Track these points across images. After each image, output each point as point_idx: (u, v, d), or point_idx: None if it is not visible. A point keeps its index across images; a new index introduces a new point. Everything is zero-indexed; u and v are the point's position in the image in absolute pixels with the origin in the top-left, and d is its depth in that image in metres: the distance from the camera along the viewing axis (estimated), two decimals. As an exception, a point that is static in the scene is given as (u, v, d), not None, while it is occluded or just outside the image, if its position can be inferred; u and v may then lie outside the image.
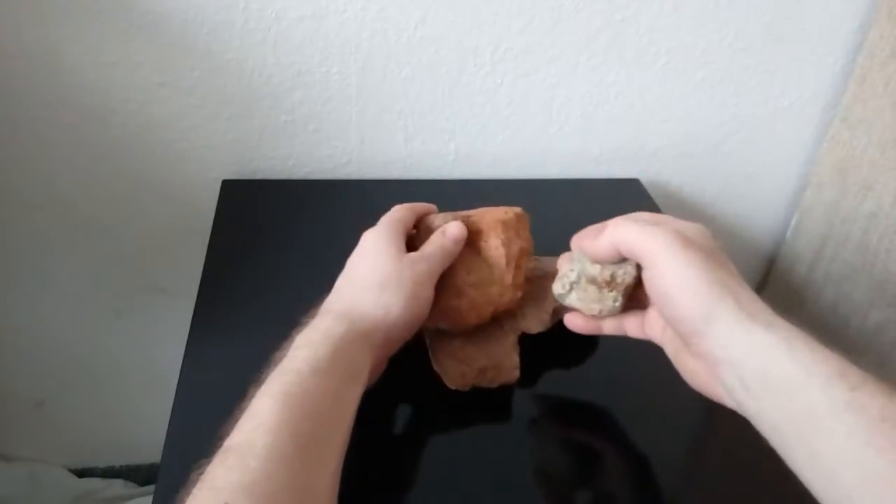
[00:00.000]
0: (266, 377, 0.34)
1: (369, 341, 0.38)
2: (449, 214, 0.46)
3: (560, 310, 0.46)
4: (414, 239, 0.46)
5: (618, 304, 0.40)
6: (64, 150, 0.65)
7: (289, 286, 0.53)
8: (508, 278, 0.44)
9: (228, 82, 0.63)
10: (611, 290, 0.40)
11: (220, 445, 0.31)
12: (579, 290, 0.41)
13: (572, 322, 0.43)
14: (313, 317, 0.39)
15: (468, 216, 0.46)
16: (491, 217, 0.46)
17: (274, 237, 0.59)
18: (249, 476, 0.29)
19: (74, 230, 0.70)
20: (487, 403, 0.45)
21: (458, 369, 0.44)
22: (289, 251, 0.58)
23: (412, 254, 0.42)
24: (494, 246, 0.45)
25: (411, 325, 0.41)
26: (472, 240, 0.45)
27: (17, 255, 0.71)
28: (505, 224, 0.45)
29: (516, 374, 0.45)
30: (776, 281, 0.87)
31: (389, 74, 0.65)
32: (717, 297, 0.33)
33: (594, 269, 0.40)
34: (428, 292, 0.41)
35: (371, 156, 0.70)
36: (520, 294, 0.45)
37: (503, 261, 0.44)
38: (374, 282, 0.40)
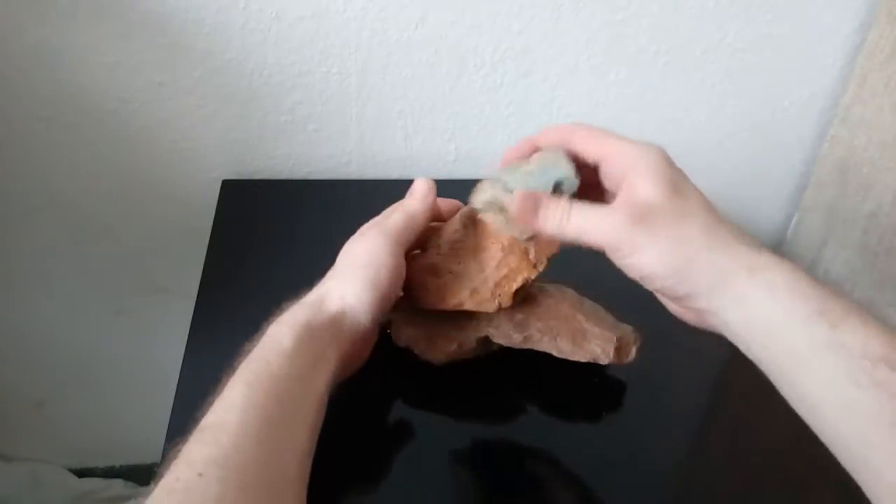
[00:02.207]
0: (238, 365, 0.36)
1: (333, 328, 0.38)
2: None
3: (536, 339, 0.45)
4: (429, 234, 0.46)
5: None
6: (64, 150, 0.65)
7: (289, 286, 0.53)
8: (490, 284, 0.44)
9: (228, 82, 0.63)
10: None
11: (196, 426, 0.33)
12: (492, 214, 0.40)
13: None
14: (289, 306, 0.40)
15: None
16: None
17: (274, 237, 0.59)
18: (221, 450, 0.31)
19: (74, 230, 0.70)
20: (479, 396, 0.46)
21: (399, 326, 0.46)
22: (289, 251, 0.58)
23: (370, 230, 0.41)
24: (493, 251, 0.44)
25: (374, 311, 0.40)
26: (484, 237, 0.45)
27: (18, 256, 0.71)
28: (518, 238, 0.45)
29: (441, 360, 0.45)
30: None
31: (389, 74, 0.65)
32: (699, 261, 0.32)
33: (508, 199, 0.37)
34: (387, 271, 0.40)
35: (371, 155, 0.70)
36: (497, 304, 0.43)
37: (493, 263, 0.44)
38: (335, 272, 0.41)
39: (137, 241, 0.72)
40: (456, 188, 0.72)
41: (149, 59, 0.61)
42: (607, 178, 0.36)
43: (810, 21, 0.69)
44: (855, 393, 0.27)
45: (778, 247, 0.86)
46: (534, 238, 0.41)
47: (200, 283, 0.53)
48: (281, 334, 0.37)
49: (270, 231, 0.60)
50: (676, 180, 0.34)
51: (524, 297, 0.45)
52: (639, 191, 0.33)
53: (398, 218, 0.42)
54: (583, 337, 0.45)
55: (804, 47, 0.71)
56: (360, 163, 0.70)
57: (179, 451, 0.31)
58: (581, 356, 0.44)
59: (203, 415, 0.33)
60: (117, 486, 0.91)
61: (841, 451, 0.28)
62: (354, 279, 0.39)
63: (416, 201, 0.43)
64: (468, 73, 0.66)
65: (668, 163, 0.34)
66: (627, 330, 0.45)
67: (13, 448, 0.89)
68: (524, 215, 0.36)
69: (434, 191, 0.44)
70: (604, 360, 0.44)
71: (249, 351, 0.36)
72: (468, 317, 0.45)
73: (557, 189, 0.36)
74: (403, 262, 0.41)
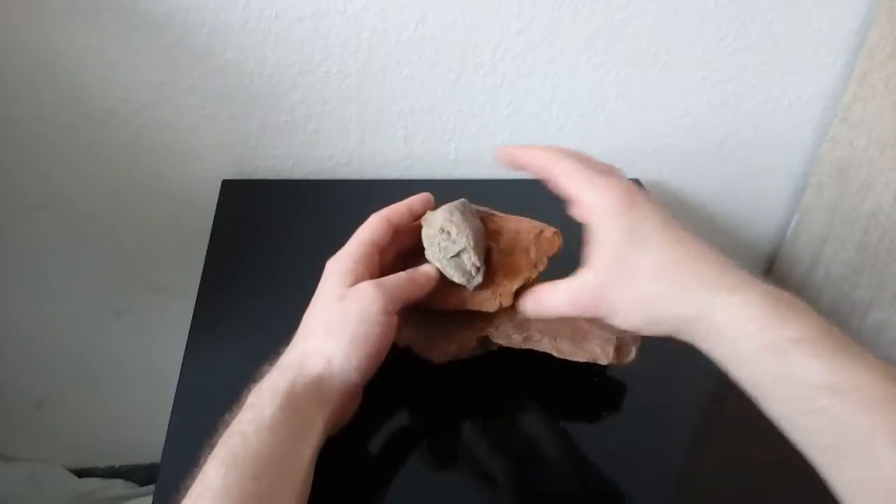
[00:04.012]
0: (217, 441, 0.33)
1: (318, 392, 0.36)
2: (482, 209, 0.46)
3: (536, 339, 0.45)
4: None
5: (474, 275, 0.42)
6: (64, 150, 0.65)
7: (289, 286, 0.53)
8: (491, 284, 0.43)
9: (228, 82, 0.63)
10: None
11: None
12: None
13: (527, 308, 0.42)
14: (269, 370, 0.37)
15: (493, 215, 0.46)
16: (512, 225, 0.45)
17: (274, 237, 0.59)
18: None
19: (74, 230, 0.70)
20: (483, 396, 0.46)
21: (399, 326, 0.44)
22: (289, 251, 0.58)
23: (361, 284, 0.38)
24: (493, 251, 0.44)
25: (364, 368, 0.38)
26: (487, 238, 0.45)
27: (17, 255, 0.71)
28: (517, 234, 0.44)
29: (441, 359, 0.45)
30: (776, 281, 0.86)
31: (389, 74, 0.65)
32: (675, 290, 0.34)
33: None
34: (380, 328, 0.38)
35: (371, 156, 0.70)
36: (498, 303, 0.43)
37: (493, 263, 0.44)
38: (317, 327, 0.38)
39: (137, 240, 0.72)
40: (456, 188, 0.72)
41: (149, 59, 0.61)
42: (579, 217, 0.38)
43: (810, 21, 0.69)
44: (807, 418, 0.30)
45: (778, 247, 0.86)
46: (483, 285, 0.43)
47: (200, 283, 0.53)
48: (260, 404, 0.34)
49: (270, 231, 0.60)
50: (635, 228, 0.35)
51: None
52: (595, 256, 0.36)
53: (401, 278, 0.40)
54: (583, 337, 0.45)
55: (804, 47, 0.71)
56: (360, 163, 0.70)
57: None
58: (581, 356, 0.44)
59: (182, 498, 0.31)
60: (117, 486, 0.91)
61: (815, 465, 0.30)
62: (342, 336, 0.37)
63: (424, 277, 0.41)
64: (468, 73, 0.66)
65: (625, 209, 0.36)
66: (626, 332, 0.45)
67: (13, 448, 0.89)
68: (526, 309, 0.41)
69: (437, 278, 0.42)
70: (604, 361, 0.44)
71: (229, 423, 0.34)
72: (468, 316, 0.45)
73: (458, 255, 0.42)
74: (395, 321, 0.39)
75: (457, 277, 0.42)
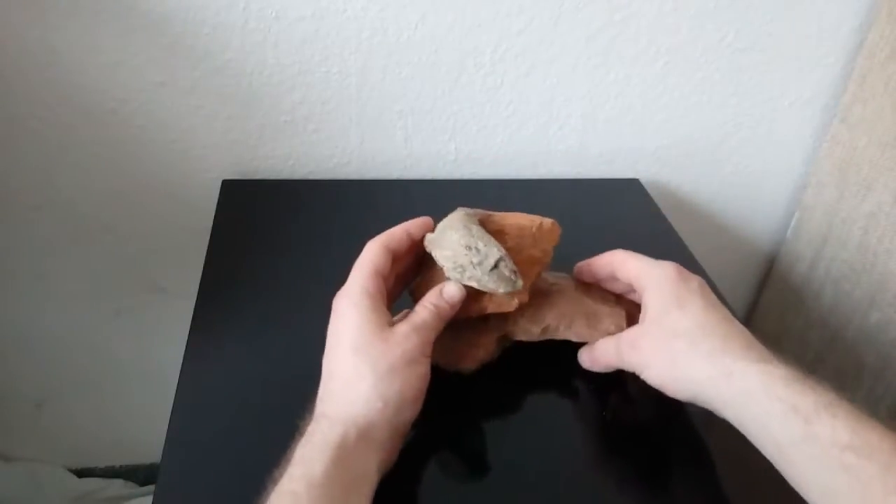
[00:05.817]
0: (266, 500, 0.32)
1: (372, 440, 0.35)
2: (478, 212, 0.45)
3: (553, 329, 0.45)
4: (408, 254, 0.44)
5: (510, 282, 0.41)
6: (64, 150, 0.65)
7: (289, 286, 0.53)
8: None
9: (228, 82, 0.63)
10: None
11: None
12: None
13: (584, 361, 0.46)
14: (309, 422, 0.36)
15: (490, 215, 0.46)
16: (512, 221, 0.45)
17: (274, 237, 0.59)
18: None
19: (74, 230, 0.70)
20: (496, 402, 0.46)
21: None
22: (289, 251, 0.58)
23: (401, 328, 0.38)
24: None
25: (415, 406, 0.38)
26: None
27: (17, 255, 0.71)
28: (521, 230, 0.44)
29: (471, 367, 0.45)
30: (776, 281, 0.87)
31: (389, 74, 0.65)
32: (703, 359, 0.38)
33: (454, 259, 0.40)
34: (423, 367, 0.38)
35: (371, 156, 0.70)
36: (516, 302, 0.43)
37: None
38: (363, 372, 0.37)
39: (137, 241, 0.72)
40: (456, 188, 0.72)
41: (149, 59, 0.61)
42: (637, 294, 0.43)
43: (810, 21, 0.69)
44: (829, 478, 0.32)
45: (778, 247, 0.86)
46: (517, 293, 0.43)
47: (200, 283, 0.53)
48: (311, 461, 0.33)
49: (270, 231, 0.60)
50: (680, 295, 0.40)
51: (534, 291, 0.46)
52: (644, 313, 0.41)
53: (428, 317, 0.40)
54: (595, 318, 0.45)
55: (804, 47, 0.71)
56: (360, 163, 0.70)
57: None
58: (598, 337, 0.45)
59: None
60: (117, 486, 0.91)
61: None
62: (393, 380, 0.37)
63: (448, 307, 0.41)
64: (468, 73, 0.66)
65: (674, 280, 0.41)
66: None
67: (13, 448, 0.89)
68: (586, 363, 0.45)
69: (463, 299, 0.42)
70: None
71: (277, 480, 0.32)
72: (485, 320, 0.45)
73: (496, 267, 0.41)
74: (430, 359, 0.39)
75: (502, 288, 0.41)
